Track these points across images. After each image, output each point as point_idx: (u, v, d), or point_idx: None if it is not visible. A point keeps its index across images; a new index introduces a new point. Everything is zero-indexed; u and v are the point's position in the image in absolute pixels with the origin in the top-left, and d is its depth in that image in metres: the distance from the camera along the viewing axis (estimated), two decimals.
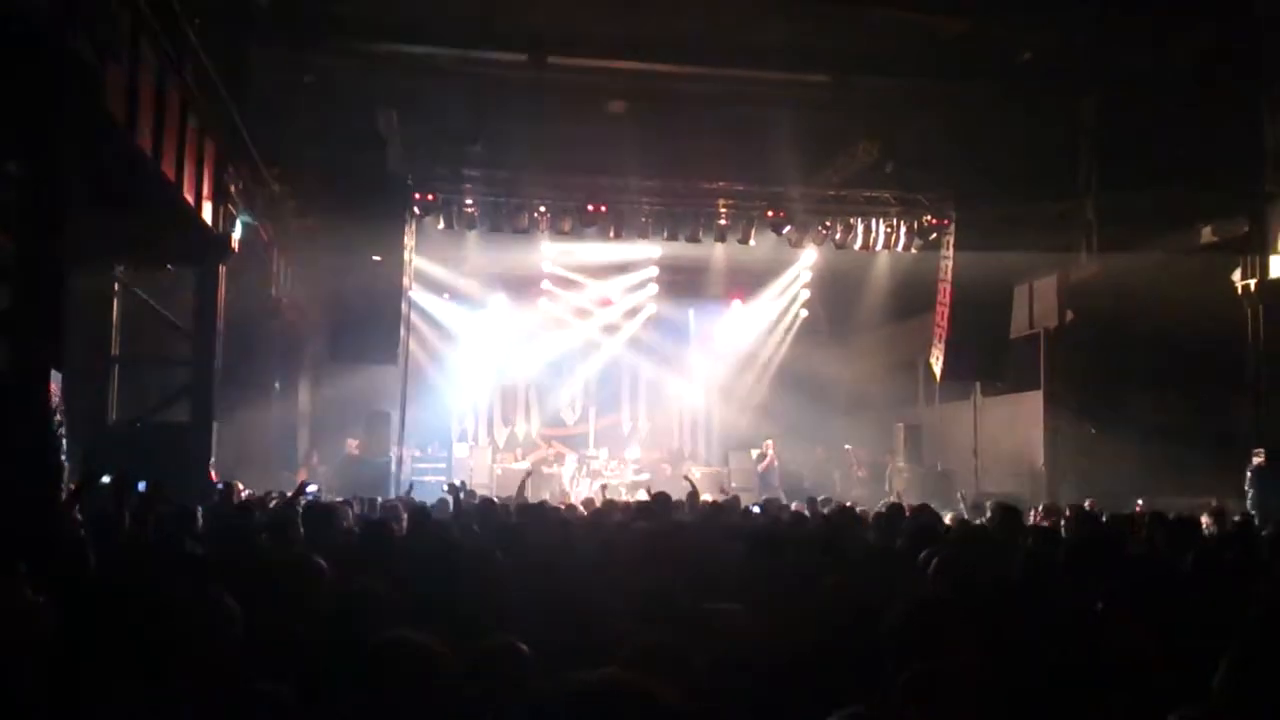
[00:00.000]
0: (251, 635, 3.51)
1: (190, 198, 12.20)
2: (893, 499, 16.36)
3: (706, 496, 13.61)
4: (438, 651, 2.91)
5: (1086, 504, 12.72)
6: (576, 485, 21.70)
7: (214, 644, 3.19)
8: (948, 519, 10.45)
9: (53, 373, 8.40)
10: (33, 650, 3.30)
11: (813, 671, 3.64)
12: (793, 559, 5.92)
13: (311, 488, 13.94)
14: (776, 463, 22.10)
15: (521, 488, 14.18)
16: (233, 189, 14.23)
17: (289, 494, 10.77)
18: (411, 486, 15.89)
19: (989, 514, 10.05)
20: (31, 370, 8.30)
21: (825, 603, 4.59)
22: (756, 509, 12.49)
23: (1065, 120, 19.03)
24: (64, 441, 8.63)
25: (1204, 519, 10.23)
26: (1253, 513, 13.78)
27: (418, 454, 22.02)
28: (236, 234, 14.45)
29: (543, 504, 11.79)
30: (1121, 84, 17.68)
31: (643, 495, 12.67)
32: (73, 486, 9.92)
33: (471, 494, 13.17)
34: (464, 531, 8.12)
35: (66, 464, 8.83)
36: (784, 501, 14.78)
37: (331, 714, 2.94)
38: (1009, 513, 8.36)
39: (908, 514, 9.57)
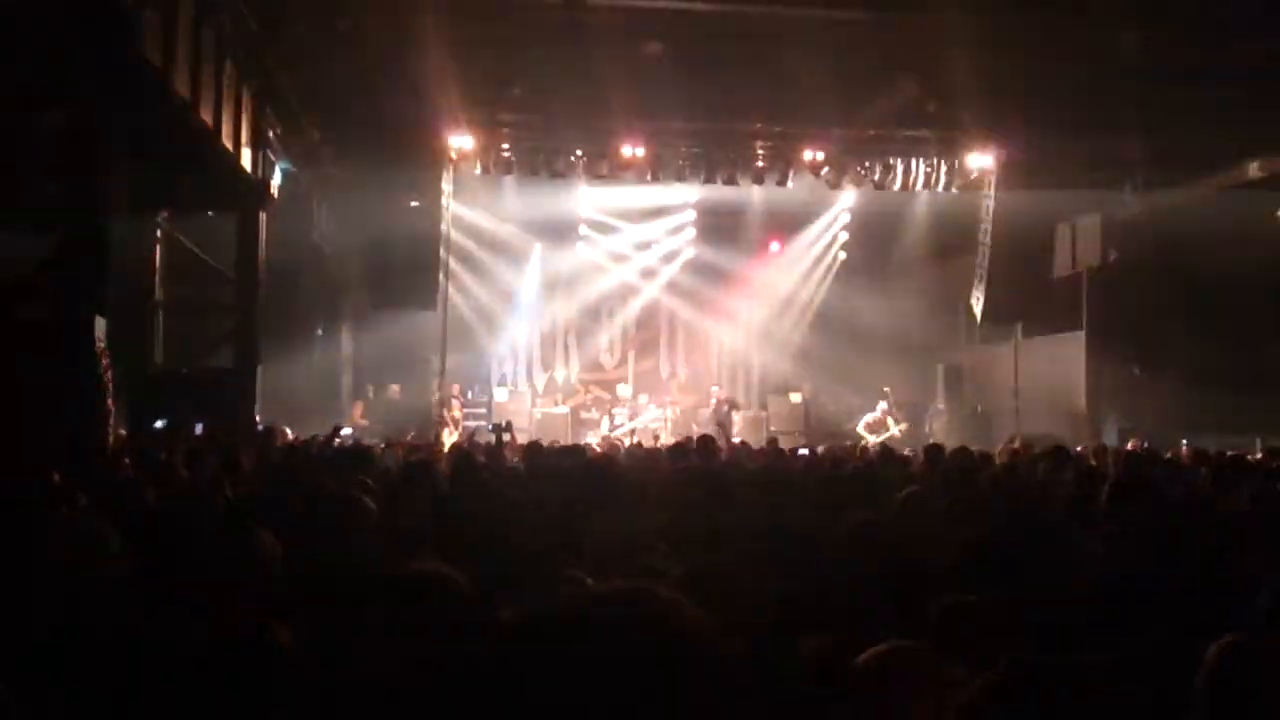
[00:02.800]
0: (295, 575, 3.55)
1: (229, 144, 12.27)
2: (932, 440, 16.33)
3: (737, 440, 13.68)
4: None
5: (1130, 444, 12.66)
6: (615, 428, 21.80)
7: (249, 580, 3.21)
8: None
9: (98, 319, 8.51)
10: (105, 585, 3.36)
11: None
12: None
13: (345, 430, 14.09)
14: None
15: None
16: (271, 135, 14.27)
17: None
18: (475, 432, 16.01)
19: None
20: (77, 317, 8.41)
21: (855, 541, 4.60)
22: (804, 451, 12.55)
23: (1109, 56, 18.62)
24: (110, 387, 8.77)
25: (1251, 457, 10.15)
26: None
27: (458, 399, 22.14)
28: (276, 180, 14.52)
29: (583, 446, 11.90)
30: (1167, 18, 17.25)
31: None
32: (123, 433, 10.13)
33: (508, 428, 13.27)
34: (504, 473, 8.18)
35: (113, 409, 8.97)
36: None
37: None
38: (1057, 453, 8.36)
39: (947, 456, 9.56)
